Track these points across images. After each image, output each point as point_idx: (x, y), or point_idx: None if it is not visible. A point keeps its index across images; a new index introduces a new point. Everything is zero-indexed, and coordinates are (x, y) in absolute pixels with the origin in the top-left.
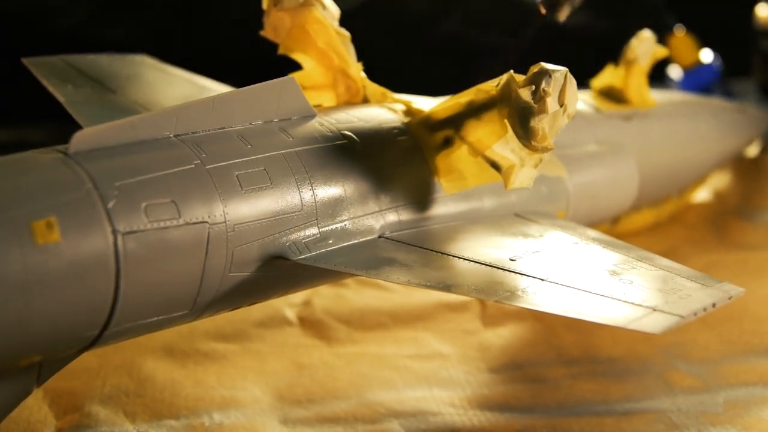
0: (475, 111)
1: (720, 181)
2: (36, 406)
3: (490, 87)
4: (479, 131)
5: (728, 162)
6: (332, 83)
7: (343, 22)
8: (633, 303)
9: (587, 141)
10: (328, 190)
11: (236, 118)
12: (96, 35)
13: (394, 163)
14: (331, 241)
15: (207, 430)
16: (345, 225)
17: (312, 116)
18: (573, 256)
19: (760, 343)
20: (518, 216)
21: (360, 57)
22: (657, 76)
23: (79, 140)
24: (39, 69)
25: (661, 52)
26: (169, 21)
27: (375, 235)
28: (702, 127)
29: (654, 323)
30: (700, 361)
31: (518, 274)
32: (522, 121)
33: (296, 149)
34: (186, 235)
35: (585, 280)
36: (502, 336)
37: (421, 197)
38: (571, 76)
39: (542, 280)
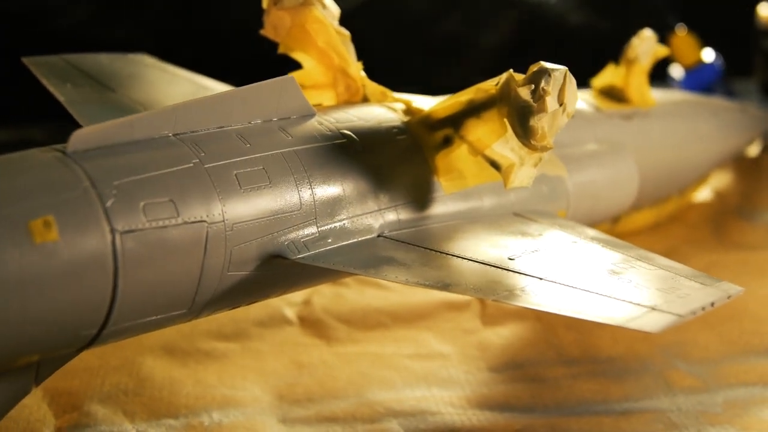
0: (474, 110)
1: (720, 180)
2: (35, 405)
3: (490, 86)
4: (479, 130)
5: (729, 161)
6: (332, 82)
7: (344, 21)
8: (631, 302)
9: (587, 140)
10: (327, 189)
11: (235, 117)
12: (96, 35)
13: (393, 162)
14: (329, 240)
15: (206, 430)
16: (344, 224)
17: (311, 115)
18: (572, 255)
19: (760, 343)
20: (518, 215)
21: (360, 56)
22: (659, 75)
23: (78, 139)
24: (39, 68)
25: (662, 51)
26: (169, 20)
27: (374, 234)
28: (702, 127)
29: (652, 322)
30: (699, 360)
31: (517, 273)
32: (521, 120)
33: (295, 148)
34: (184, 234)
35: (584, 279)
36: (502, 335)
37: (420, 196)
38: (571, 75)
39: (541, 279)
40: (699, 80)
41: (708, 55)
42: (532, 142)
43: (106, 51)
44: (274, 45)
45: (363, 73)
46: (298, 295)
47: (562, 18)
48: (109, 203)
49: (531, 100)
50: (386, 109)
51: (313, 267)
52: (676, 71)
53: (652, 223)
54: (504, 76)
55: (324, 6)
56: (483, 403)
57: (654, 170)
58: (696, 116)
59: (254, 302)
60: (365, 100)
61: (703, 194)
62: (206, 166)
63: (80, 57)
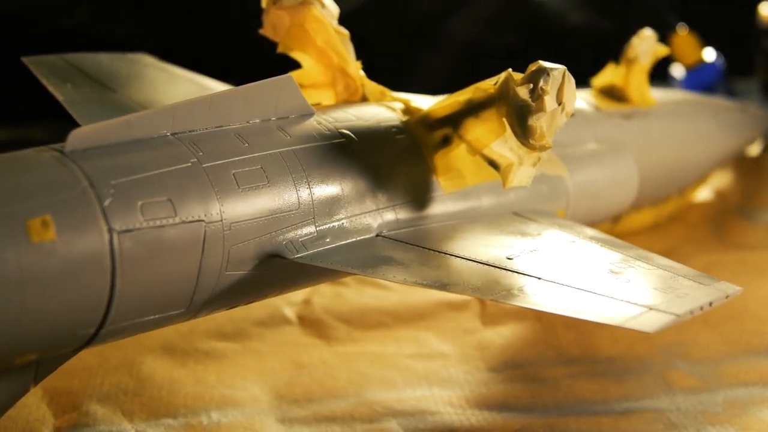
0: (473, 109)
1: (721, 180)
2: (35, 404)
3: (489, 85)
4: (478, 130)
5: (729, 161)
6: (331, 82)
7: (344, 21)
8: (629, 302)
9: (587, 140)
10: (326, 189)
11: (234, 116)
12: (96, 35)
13: (392, 161)
14: (328, 240)
15: (205, 429)
16: (342, 223)
17: (310, 115)
18: (570, 254)
19: (761, 343)
20: (517, 215)
21: (359, 55)
22: (660, 74)
23: (76, 138)
24: (38, 68)
25: (662, 50)
26: (169, 20)
27: (372, 234)
28: (702, 127)
29: (650, 322)
30: (699, 360)
31: (515, 273)
32: (520, 119)
33: (294, 148)
34: (182, 233)
35: (582, 278)
36: (502, 335)
37: (419, 196)
38: (570, 75)
39: (539, 278)
40: (700, 80)
41: (709, 54)
42: (531, 141)
43: (107, 51)
44: (273, 44)
45: (362, 73)
46: (297, 295)
47: (563, 18)
48: (106, 203)
49: (530, 100)
50: (385, 109)
51: (312, 266)
52: (677, 71)
53: (652, 223)
54: (503, 75)
55: (323, 5)
56: (482, 403)
57: (654, 170)
58: (696, 116)
59: (252, 302)
60: (364, 99)
61: (704, 194)
62: (204, 165)
63: (80, 57)
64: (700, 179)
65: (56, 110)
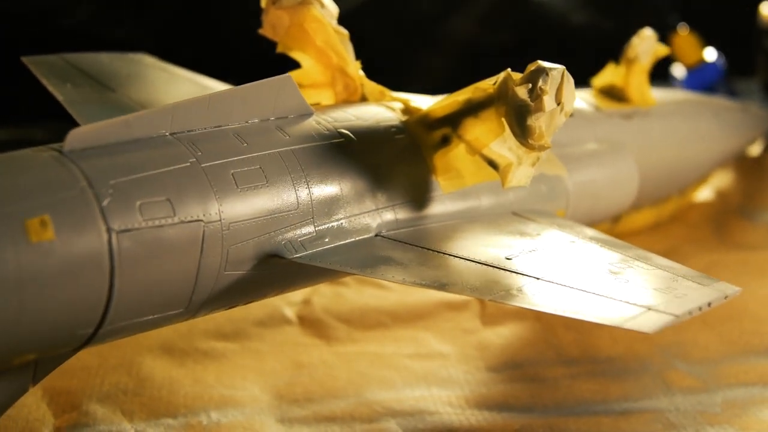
0: (472, 109)
1: (721, 180)
2: (34, 404)
3: (488, 85)
4: (477, 129)
5: (730, 161)
6: (330, 81)
7: (344, 20)
8: (628, 302)
9: (587, 140)
10: (325, 189)
11: (233, 116)
12: (96, 35)
13: (391, 161)
14: (327, 240)
15: (204, 429)
16: (341, 223)
17: (309, 114)
18: (570, 254)
19: (760, 343)
20: (516, 215)
21: (359, 55)
22: (661, 74)
23: (74, 138)
24: (38, 68)
25: (663, 50)
26: (169, 20)
27: (372, 234)
28: (703, 127)
29: (648, 322)
30: (699, 361)
31: (514, 273)
32: (519, 119)
33: (292, 147)
34: (181, 233)
35: (581, 279)
36: (502, 335)
37: (418, 196)
38: (568, 75)
39: (538, 279)
40: (701, 80)
41: (710, 54)
42: (530, 141)
43: (107, 51)
44: (273, 44)
45: (361, 72)
46: (297, 295)
47: (565, 17)
48: (105, 202)
49: (528, 100)
50: (384, 109)
51: (310, 266)
52: (678, 71)
53: (652, 223)
54: (502, 75)
55: (322, 5)
56: (482, 403)
57: (654, 170)
58: (697, 116)
59: (251, 302)
60: (363, 99)
61: (704, 194)
62: (203, 165)
63: (80, 56)
64: (701, 179)
65: (56, 110)
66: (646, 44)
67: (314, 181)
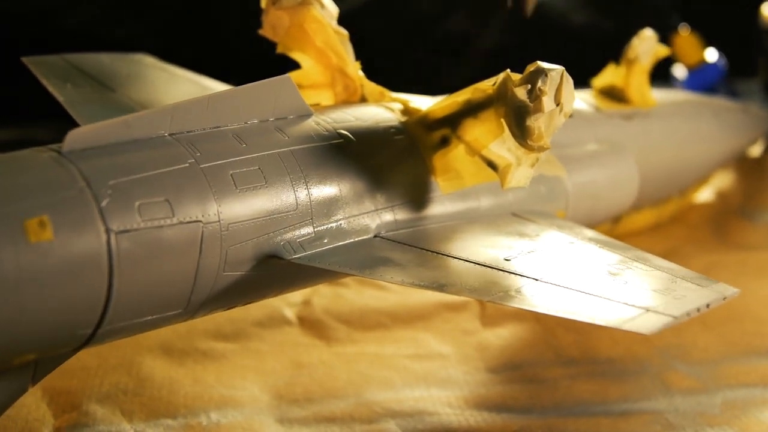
0: (472, 110)
1: (722, 181)
2: (34, 404)
3: (487, 86)
4: (476, 130)
5: (730, 162)
6: (330, 82)
7: (344, 21)
8: (627, 303)
9: (587, 140)
10: (324, 189)
11: (232, 117)
12: (97, 35)
13: (390, 162)
14: (326, 241)
15: (204, 429)
16: (340, 224)
17: (308, 115)
18: (569, 256)
19: (761, 344)
20: (515, 215)
21: (359, 56)
22: (662, 75)
23: (73, 139)
24: (39, 68)
25: (663, 51)
26: (170, 20)
27: (371, 235)
28: (703, 127)
29: (647, 324)
30: (698, 362)
31: (513, 274)
32: (518, 120)
33: (292, 148)
34: (180, 234)
35: (579, 280)
36: (501, 336)
37: (417, 196)
38: (568, 75)
39: (536, 280)
40: (702, 80)
41: (711, 55)
42: (529, 142)
43: (107, 51)
44: (273, 45)
45: (361, 73)
46: (297, 296)
47: (565, 17)
48: (104, 203)
49: (528, 100)
50: (384, 109)
51: (309, 267)
52: (679, 71)
53: (652, 224)
54: (501, 76)
55: (322, 6)
56: (481, 404)
57: (654, 170)
58: (697, 116)
59: (250, 302)
60: (363, 99)
61: (705, 194)
62: (202, 166)
63: (80, 57)
64: (701, 180)
65: (57, 110)
66: (646, 45)
67: (313, 181)
